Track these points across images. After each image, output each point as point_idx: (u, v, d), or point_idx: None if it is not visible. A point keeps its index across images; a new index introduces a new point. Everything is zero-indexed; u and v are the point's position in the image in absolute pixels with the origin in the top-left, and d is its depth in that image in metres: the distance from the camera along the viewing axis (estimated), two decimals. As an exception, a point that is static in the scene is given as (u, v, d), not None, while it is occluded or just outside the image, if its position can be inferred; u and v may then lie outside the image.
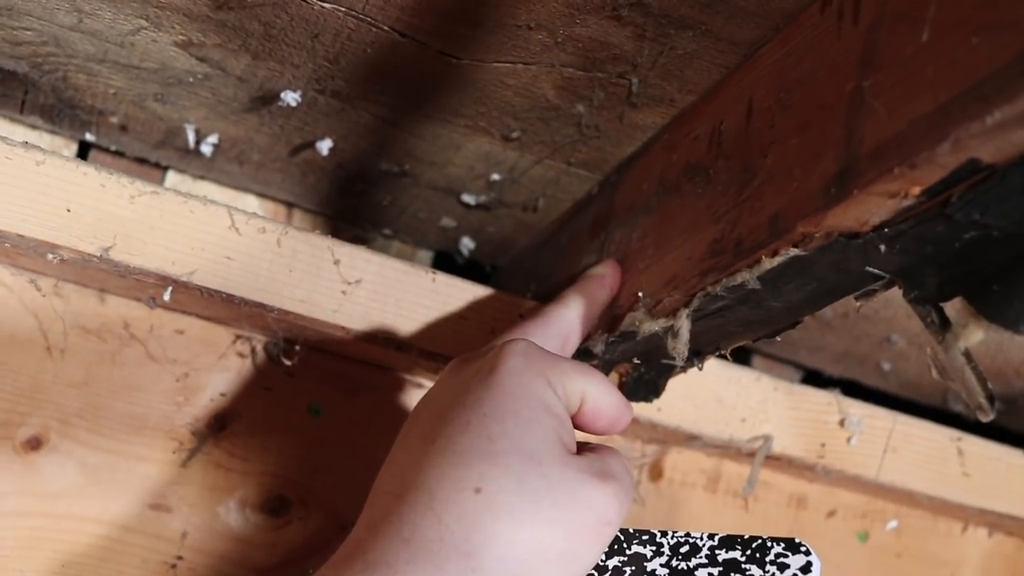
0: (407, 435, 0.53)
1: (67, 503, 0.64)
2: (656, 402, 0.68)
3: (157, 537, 0.65)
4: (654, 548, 0.55)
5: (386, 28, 0.58)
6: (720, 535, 0.56)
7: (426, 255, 0.85)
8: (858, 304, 0.52)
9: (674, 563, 0.55)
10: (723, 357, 0.61)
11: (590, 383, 0.53)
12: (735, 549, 0.55)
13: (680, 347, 0.57)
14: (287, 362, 0.68)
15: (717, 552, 0.55)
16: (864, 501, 0.83)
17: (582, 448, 0.53)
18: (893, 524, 0.84)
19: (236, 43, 0.62)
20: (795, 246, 0.49)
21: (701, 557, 0.55)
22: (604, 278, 0.62)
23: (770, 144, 0.52)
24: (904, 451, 0.77)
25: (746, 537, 0.56)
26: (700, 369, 0.62)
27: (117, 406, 0.65)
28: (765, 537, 0.56)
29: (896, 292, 0.79)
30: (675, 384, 0.68)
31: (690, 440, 0.72)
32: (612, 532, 0.49)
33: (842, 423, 0.75)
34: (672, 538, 0.55)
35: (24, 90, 0.71)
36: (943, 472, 0.78)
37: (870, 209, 0.46)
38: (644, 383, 0.64)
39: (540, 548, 0.47)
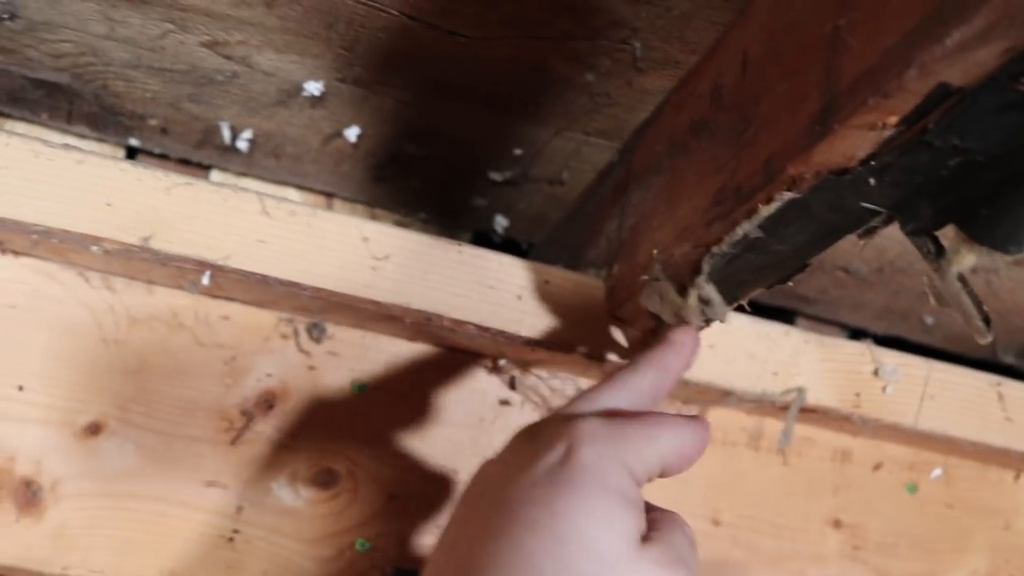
0: (469, 520, 0.51)
1: (127, 484, 0.68)
2: (687, 359, 0.70)
3: (214, 513, 0.68)
4: None
5: (395, 12, 0.61)
6: None
7: (464, 237, 0.88)
8: (862, 243, 0.54)
9: None
10: (742, 309, 0.63)
11: (664, 445, 0.52)
12: None
13: (718, 309, 0.59)
14: (328, 340, 0.71)
15: None
16: (910, 453, 0.84)
17: (649, 524, 0.51)
18: (937, 472, 0.85)
19: (258, 39, 0.65)
20: (788, 188, 0.51)
21: None
22: (681, 346, 0.59)
23: (762, 92, 0.54)
24: (942, 398, 0.78)
25: None
26: (723, 322, 0.64)
27: (170, 391, 0.69)
28: None
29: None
30: (704, 340, 0.69)
31: (724, 396, 0.73)
32: None
33: (876, 372, 0.76)
34: None
35: (69, 101, 0.75)
36: (984, 417, 0.79)
37: (854, 143, 0.47)
38: None
39: None
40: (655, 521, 0.51)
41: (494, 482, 0.51)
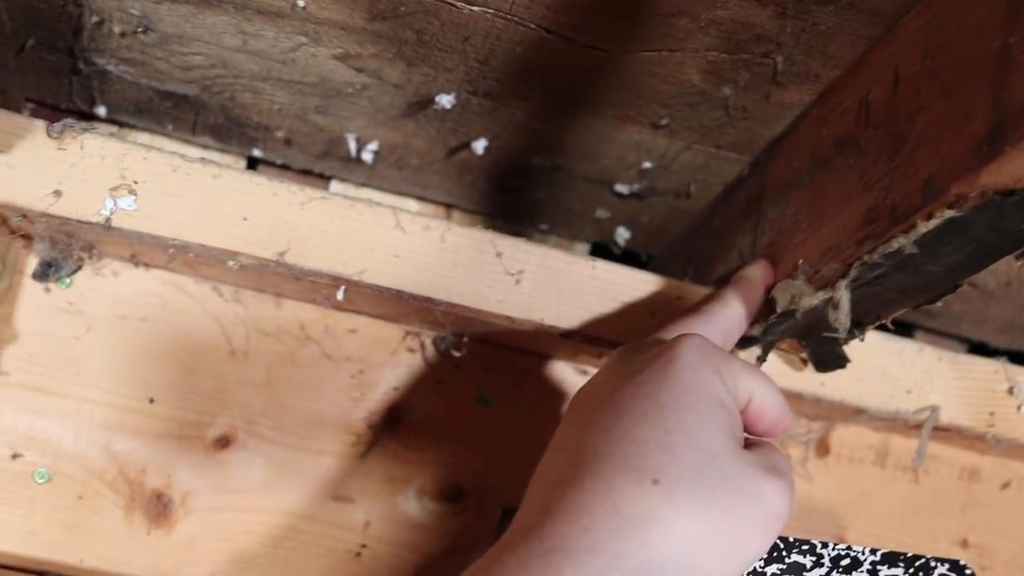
0: (575, 422, 0.54)
1: (255, 497, 0.68)
2: (820, 377, 0.69)
3: (341, 527, 0.68)
4: (814, 559, 0.56)
5: (533, 26, 0.60)
6: (883, 551, 0.56)
7: (583, 248, 0.87)
8: (1019, 264, 0.53)
9: (833, 575, 0.55)
10: (883, 327, 0.62)
11: (758, 383, 0.54)
12: (897, 566, 0.55)
13: (842, 317, 0.58)
14: (456, 354, 0.70)
15: (879, 568, 0.55)
16: (1040, 471, 0.82)
17: (746, 444, 0.53)
18: (1070, 492, 0.83)
19: (391, 52, 0.65)
20: (950, 207, 0.49)
21: (862, 572, 0.55)
22: (759, 280, 0.64)
23: (918, 110, 0.53)
24: (1077, 417, 0.76)
25: (909, 555, 0.55)
26: (861, 340, 0.63)
27: (298, 404, 0.69)
28: (928, 556, 0.55)
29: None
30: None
31: (856, 414, 0.72)
32: (780, 527, 0.50)
33: (1011, 391, 0.74)
34: (833, 550, 0.56)
35: (195, 112, 0.75)
36: (1119, 437, 0.77)
37: (1024, 165, 0.46)
38: (827, 355, 0.65)
39: (713, 540, 0.47)
40: (754, 443, 0.54)
41: (600, 390, 0.54)
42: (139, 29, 0.66)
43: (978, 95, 0.48)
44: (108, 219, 0.61)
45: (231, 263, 0.62)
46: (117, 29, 0.67)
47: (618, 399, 0.51)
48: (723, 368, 0.52)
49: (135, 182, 0.61)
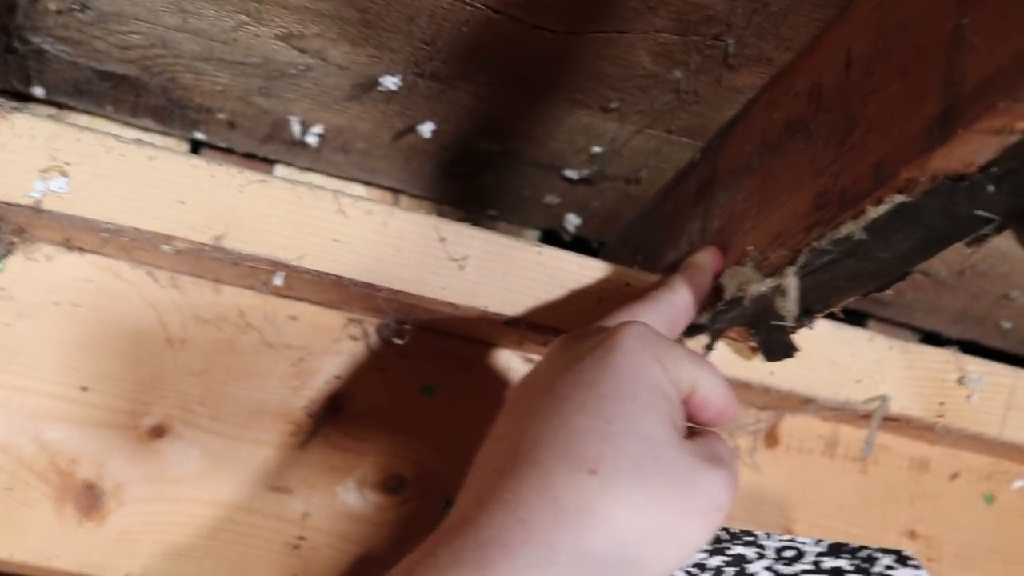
0: (515, 410, 0.53)
1: (192, 488, 0.66)
2: (769, 366, 0.68)
3: (279, 518, 0.67)
4: (758, 550, 0.55)
5: (480, 6, 0.59)
6: (827, 542, 0.55)
7: (532, 234, 0.86)
8: (970, 251, 0.52)
9: (777, 567, 0.54)
10: (834, 316, 0.61)
11: (701, 371, 0.53)
12: (841, 558, 0.54)
13: (790, 305, 0.57)
14: (399, 342, 0.69)
15: (822, 559, 0.54)
16: (989, 462, 0.82)
17: (690, 433, 0.52)
18: (1020, 483, 0.82)
19: (334, 31, 0.63)
20: (900, 192, 0.49)
21: (806, 563, 0.54)
22: (708, 266, 0.63)
23: (870, 93, 0.52)
24: (1028, 408, 0.75)
25: (853, 546, 0.55)
26: (811, 328, 0.62)
27: (236, 392, 0.67)
28: (873, 548, 0.55)
29: (1013, 247, 0.78)
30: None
31: (805, 404, 0.71)
32: (722, 518, 0.49)
33: (960, 381, 0.73)
34: (776, 541, 0.55)
35: (136, 93, 0.73)
36: (1070, 428, 0.76)
37: (975, 149, 0.45)
38: (776, 344, 0.64)
39: (652, 531, 0.46)
40: (699, 432, 0.53)
41: (542, 379, 0.53)
42: (75, 6, 0.64)
43: (931, 77, 0.47)
44: (39, 201, 0.59)
45: (166, 247, 0.61)
46: (53, 6, 0.65)
47: (558, 387, 0.50)
48: (664, 356, 0.51)
49: (67, 163, 0.59)
